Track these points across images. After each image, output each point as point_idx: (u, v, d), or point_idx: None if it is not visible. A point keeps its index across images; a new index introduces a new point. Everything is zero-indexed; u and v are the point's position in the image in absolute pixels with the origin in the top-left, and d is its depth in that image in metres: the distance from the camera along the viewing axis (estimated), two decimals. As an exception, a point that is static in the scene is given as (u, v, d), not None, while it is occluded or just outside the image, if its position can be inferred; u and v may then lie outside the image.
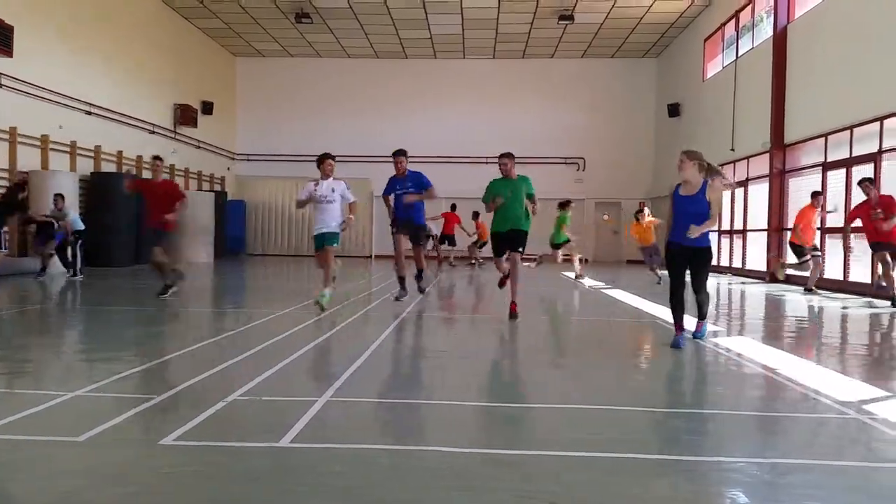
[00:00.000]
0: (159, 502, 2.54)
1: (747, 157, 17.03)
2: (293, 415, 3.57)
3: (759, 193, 16.33)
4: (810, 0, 14.39)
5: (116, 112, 16.88)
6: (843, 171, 12.81)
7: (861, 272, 11.83)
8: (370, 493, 2.62)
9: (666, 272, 6.81)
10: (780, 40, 15.20)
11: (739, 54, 17.72)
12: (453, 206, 20.39)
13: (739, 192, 17.38)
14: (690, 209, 5.87)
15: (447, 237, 19.95)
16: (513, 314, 7.65)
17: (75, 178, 14.37)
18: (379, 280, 13.59)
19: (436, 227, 19.67)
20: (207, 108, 21.95)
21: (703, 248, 5.98)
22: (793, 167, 15.10)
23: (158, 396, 3.92)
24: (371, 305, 9.10)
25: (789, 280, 13.74)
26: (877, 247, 9.99)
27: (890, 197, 9.90)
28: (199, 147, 21.76)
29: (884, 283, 9.95)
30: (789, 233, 13.08)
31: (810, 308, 9.97)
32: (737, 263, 17.90)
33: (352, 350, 5.65)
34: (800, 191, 14.61)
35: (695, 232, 5.72)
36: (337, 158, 8.42)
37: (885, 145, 11.65)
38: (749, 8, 17.30)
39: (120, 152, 17.07)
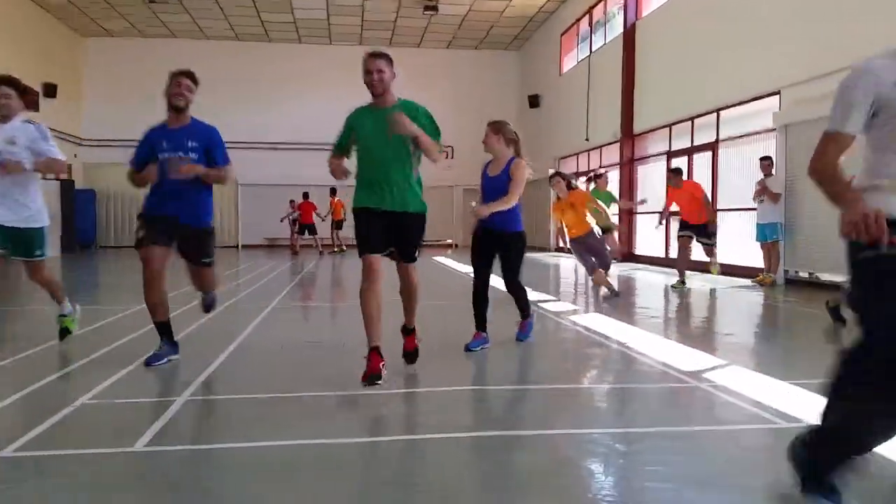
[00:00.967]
0: (-5, 521, 2.33)
1: (600, 147, 18.05)
2: (148, 417, 3.39)
3: (611, 181, 17.41)
4: (656, -1, 15.44)
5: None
6: (686, 158, 13.89)
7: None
8: (231, 493, 2.55)
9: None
10: (629, 36, 16.18)
11: (593, 49, 18.68)
12: (305, 195, 19.93)
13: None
14: (495, 189, 5.10)
15: (306, 226, 19.50)
16: (408, 353, 4.61)
17: None
18: (247, 270, 13.14)
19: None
20: (50, 90, 20.18)
21: (511, 232, 5.15)
22: (641, 155, 16.20)
23: (-6, 406, 3.59)
24: (239, 297, 8.78)
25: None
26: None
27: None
28: (39, 132, 19.93)
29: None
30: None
31: (663, 286, 10.73)
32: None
33: (216, 345, 5.42)
34: (646, 178, 15.85)
35: (484, 211, 4.92)
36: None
37: (722, 135, 12.77)
38: (601, 4, 18.25)
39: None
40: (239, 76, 23.89)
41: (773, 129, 10.81)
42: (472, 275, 5.24)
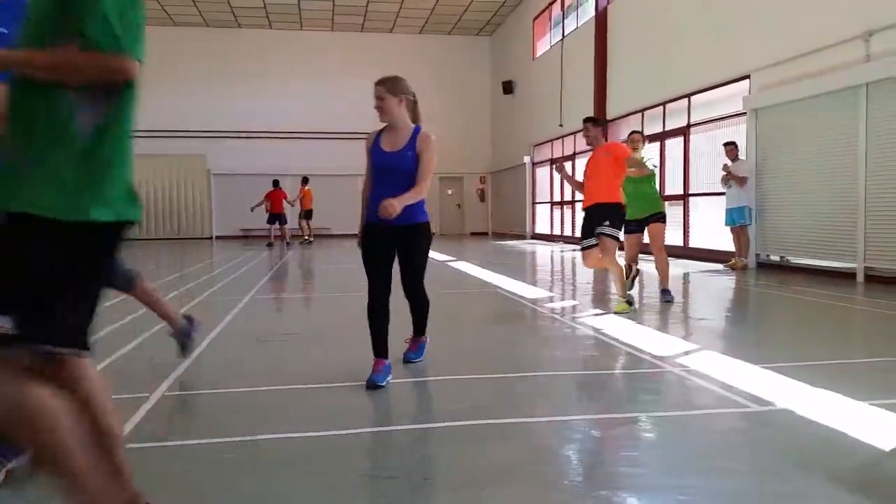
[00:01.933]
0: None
1: (574, 133, 18.10)
2: (124, 414, 3.34)
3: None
4: (627, -16, 15.46)
5: None
6: (658, 143, 14.00)
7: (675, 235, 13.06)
8: (218, 488, 2.53)
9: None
10: (601, 20, 16.21)
11: (565, 34, 18.69)
12: (276, 183, 19.67)
13: (569, 165, 18.46)
14: (395, 170, 3.88)
15: (276, 216, 19.28)
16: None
17: None
18: (221, 262, 13.01)
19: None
20: None
21: (413, 224, 3.96)
22: (614, 141, 16.25)
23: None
24: (215, 288, 8.70)
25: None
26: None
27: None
28: None
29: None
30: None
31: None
32: (567, 233, 19.05)
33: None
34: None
35: (395, 207, 3.60)
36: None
37: (693, 119, 12.89)
38: (574, -11, 18.27)
39: None
40: (209, 63, 23.53)
41: (744, 113, 10.94)
42: (368, 286, 4.02)
